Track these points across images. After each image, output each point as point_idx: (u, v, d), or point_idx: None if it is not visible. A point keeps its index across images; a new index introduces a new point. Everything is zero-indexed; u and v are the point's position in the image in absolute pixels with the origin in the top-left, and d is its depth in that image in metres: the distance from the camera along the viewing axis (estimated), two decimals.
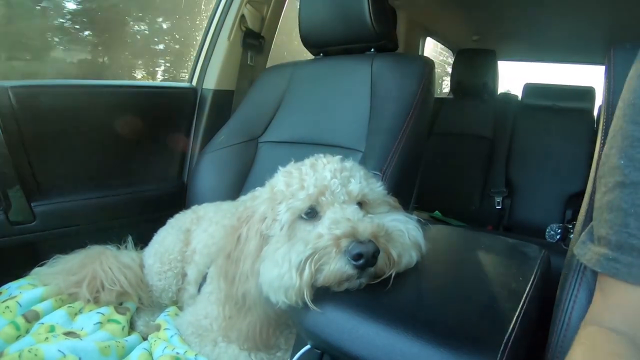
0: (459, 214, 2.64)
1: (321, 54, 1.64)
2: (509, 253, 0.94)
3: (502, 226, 2.71)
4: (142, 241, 1.35)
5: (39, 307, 1.06)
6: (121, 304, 1.18)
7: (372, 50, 1.51)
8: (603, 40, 2.82)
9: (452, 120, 3.00)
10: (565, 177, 2.57)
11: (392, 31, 1.54)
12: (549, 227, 2.35)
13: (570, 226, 2.24)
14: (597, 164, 0.66)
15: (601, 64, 0.84)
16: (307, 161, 0.85)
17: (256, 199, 0.85)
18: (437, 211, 2.63)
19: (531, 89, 2.99)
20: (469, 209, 2.78)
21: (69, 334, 1.00)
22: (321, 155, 0.86)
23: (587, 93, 2.83)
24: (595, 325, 0.54)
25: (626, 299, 0.52)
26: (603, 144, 0.69)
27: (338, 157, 0.85)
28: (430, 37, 3.32)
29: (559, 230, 2.28)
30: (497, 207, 2.70)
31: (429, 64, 1.40)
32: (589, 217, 0.67)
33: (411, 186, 1.36)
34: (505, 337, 0.58)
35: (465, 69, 3.07)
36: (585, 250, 0.58)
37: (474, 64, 3.04)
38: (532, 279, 0.75)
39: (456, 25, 3.19)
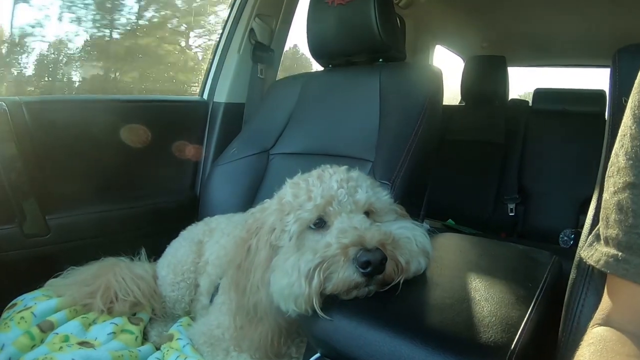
0: (472, 222, 2.62)
1: (330, 66, 1.64)
2: (518, 260, 0.94)
3: (516, 233, 2.68)
4: (155, 253, 1.36)
5: (54, 318, 1.08)
6: (134, 314, 1.19)
7: (381, 60, 1.52)
8: (612, 42, 2.79)
9: (463, 127, 2.98)
10: (578, 182, 2.52)
11: (400, 41, 1.55)
12: (562, 233, 2.34)
13: None
14: (604, 166, 0.65)
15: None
16: (314, 172, 0.86)
17: (265, 210, 0.86)
18: (450, 219, 2.61)
19: (541, 94, 2.96)
20: (482, 216, 2.75)
21: (83, 343, 1.01)
22: (328, 166, 0.87)
23: (597, 96, 2.80)
24: (603, 326, 0.54)
25: (636, 300, 0.52)
26: (609, 146, 0.68)
27: (344, 167, 0.86)
28: (440, 44, 3.33)
29: (572, 236, 2.26)
30: (510, 214, 2.66)
31: (436, 73, 1.41)
32: (596, 220, 0.67)
33: (421, 195, 1.36)
34: (513, 344, 0.58)
35: (475, 76, 3.06)
36: (592, 252, 0.58)
37: (484, 71, 3.02)
38: (541, 285, 0.75)
39: (465, 33, 3.20)
